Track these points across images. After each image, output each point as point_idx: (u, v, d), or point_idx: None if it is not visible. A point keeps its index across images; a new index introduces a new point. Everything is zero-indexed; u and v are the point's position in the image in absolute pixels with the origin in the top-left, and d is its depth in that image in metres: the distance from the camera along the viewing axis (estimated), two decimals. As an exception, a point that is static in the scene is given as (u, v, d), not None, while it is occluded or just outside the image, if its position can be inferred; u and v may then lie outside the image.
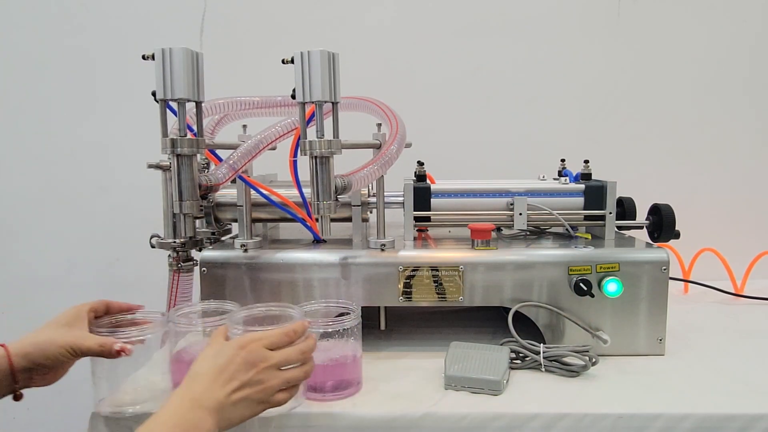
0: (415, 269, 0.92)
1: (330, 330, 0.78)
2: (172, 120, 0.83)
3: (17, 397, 0.69)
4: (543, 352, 0.86)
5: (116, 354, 0.69)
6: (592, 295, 0.89)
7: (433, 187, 1.04)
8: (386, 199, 1.00)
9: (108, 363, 0.72)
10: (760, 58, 1.43)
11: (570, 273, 0.91)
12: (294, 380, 0.68)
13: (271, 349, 0.67)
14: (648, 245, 0.98)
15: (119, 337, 0.71)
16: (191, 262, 0.99)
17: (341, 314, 0.82)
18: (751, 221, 1.47)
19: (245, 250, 0.95)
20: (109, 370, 0.74)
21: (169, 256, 0.98)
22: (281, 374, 0.66)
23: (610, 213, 1.02)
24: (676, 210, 1.03)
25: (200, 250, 0.98)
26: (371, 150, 0.98)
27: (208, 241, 1.07)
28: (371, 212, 1.05)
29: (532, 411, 0.75)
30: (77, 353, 0.68)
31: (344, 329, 0.79)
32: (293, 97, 0.81)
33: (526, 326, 0.91)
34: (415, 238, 1.03)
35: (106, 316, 0.77)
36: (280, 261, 0.93)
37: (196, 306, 0.85)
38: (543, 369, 0.86)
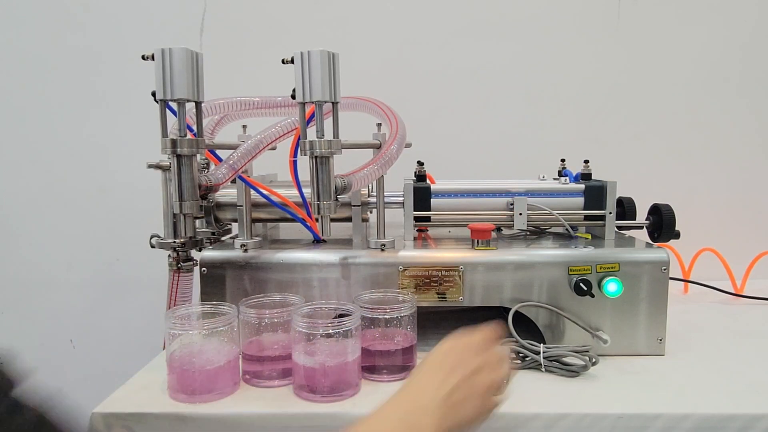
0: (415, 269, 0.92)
1: (331, 331, 0.78)
2: (172, 120, 0.83)
3: None
4: (543, 352, 0.86)
5: None
6: (592, 295, 0.89)
7: (433, 187, 1.04)
8: (386, 199, 1.00)
9: None
10: (760, 58, 1.43)
11: (570, 273, 0.91)
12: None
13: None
14: (648, 245, 0.98)
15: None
16: (191, 262, 0.99)
17: (341, 315, 0.82)
18: (751, 221, 1.47)
19: (245, 250, 0.95)
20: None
21: (169, 256, 0.99)
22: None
23: (610, 213, 1.02)
24: (675, 210, 1.03)
25: (200, 250, 0.98)
26: (371, 150, 0.98)
27: (208, 241, 1.07)
28: (371, 212, 1.05)
29: (532, 411, 0.75)
30: None
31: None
32: (293, 97, 0.81)
33: (526, 326, 0.91)
34: (415, 238, 1.03)
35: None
36: (280, 261, 0.93)
37: (194, 307, 0.85)
38: (543, 369, 0.86)
